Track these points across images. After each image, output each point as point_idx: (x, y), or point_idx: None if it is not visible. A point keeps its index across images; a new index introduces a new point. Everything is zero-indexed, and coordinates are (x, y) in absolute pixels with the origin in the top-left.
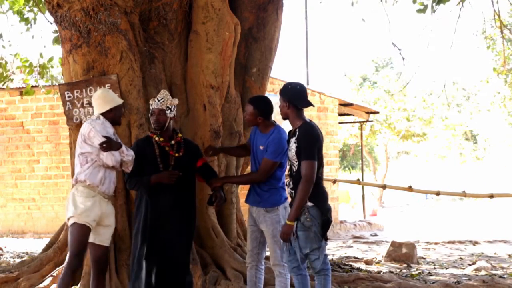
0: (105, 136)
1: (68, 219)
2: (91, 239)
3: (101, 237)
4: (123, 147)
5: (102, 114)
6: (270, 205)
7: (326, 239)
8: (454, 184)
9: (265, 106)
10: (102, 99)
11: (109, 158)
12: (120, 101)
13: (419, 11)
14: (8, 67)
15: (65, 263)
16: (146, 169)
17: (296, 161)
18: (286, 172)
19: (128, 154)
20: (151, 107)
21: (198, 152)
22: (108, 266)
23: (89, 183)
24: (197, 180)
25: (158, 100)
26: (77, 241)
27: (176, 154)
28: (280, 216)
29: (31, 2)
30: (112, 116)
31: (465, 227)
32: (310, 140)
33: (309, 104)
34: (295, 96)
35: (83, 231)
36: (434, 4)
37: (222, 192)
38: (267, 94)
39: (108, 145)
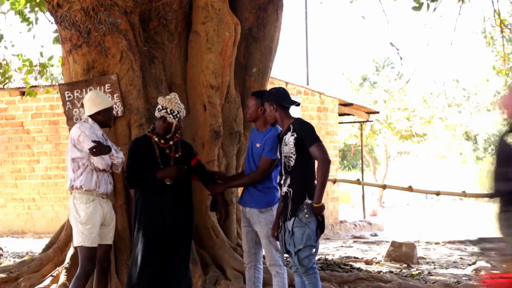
0: (94, 141)
1: (75, 233)
2: None
3: (106, 236)
4: (113, 150)
5: (91, 116)
6: (264, 206)
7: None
8: (454, 184)
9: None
10: (91, 101)
11: (99, 162)
12: (110, 104)
13: (414, 8)
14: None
15: (79, 266)
16: (146, 169)
17: (294, 155)
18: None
19: (118, 157)
20: (178, 115)
21: (192, 151)
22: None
23: (86, 188)
24: (193, 179)
25: (183, 109)
26: (88, 250)
27: (176, 155)
28: (274, 216)
29: (33, 2)
30: (101, 118)
31: (465, 227)
32: (310, 127)
33: (294, 102)
34: (281, 97)
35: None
36: (429, 2)
37: (227, 203)
38: None
39: (98, 149)
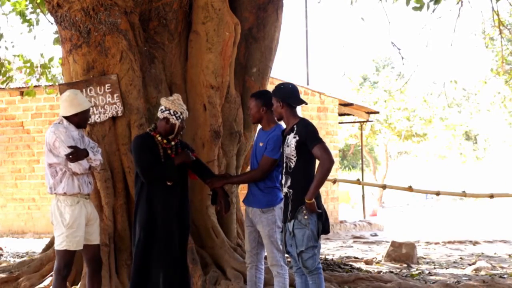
0: (70, 146)
1: (59, 236)
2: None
3: (91, 236)
4: (90, 153)
5: (66, 117)
6: (266, 206)
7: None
8: (454, 184)
9: (266, 96)
10: (69, 102)
11: (77, 167)
12: (87, 106)
13: (415, 8)
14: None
15: (54, 270)
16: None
17: (295, 157)
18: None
19: (95, 159)
20: (181, 116)
21: (188, 148)
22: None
23: (70, 194)
24: (189, 177)
25: (185, 110)
26: (69, 254)
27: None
28: (276, 216)
29: (34, 2)
30: (77, 120)
31: (465, 227)
32: (313, 129)
33: (302, 101)
34: (289, 95)
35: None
36: (429, 2)
37: (227, 195)
38: None
39: (75, 156)
